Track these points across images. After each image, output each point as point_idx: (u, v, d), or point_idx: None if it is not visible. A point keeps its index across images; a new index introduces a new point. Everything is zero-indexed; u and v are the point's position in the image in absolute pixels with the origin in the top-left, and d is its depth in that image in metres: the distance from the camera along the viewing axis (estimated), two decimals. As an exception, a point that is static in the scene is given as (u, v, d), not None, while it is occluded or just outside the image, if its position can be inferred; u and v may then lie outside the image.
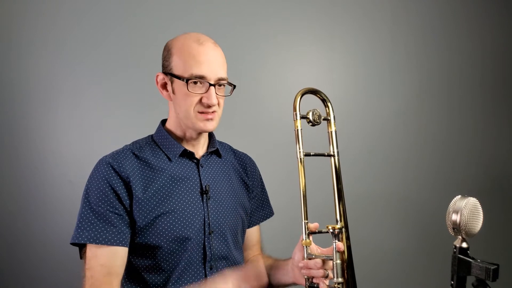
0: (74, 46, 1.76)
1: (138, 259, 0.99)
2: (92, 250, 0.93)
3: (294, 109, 0.95)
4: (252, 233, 1.23)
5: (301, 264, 0.93)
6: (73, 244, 0.96)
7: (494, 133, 2.37)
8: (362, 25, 2.18)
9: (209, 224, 1.02)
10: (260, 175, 1.25)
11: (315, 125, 0.97)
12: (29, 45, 1.71)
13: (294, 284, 1.03)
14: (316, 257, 0.90)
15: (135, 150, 1.04)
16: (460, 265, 0.73)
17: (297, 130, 0.95)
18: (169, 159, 1.04)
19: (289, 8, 2.07)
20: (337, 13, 2.14)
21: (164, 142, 1.06)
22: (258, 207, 1.23)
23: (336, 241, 0.88)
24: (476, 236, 0.73)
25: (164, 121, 1.12)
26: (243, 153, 1.25)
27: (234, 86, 1.06)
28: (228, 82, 1.03)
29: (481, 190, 2.30)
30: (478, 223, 0.73)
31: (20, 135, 1.71)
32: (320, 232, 0.93)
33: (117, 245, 0.93)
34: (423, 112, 2.27)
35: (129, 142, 1.10)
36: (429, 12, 2.27)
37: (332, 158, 0.99)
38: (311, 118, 0.97)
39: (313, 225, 0.93)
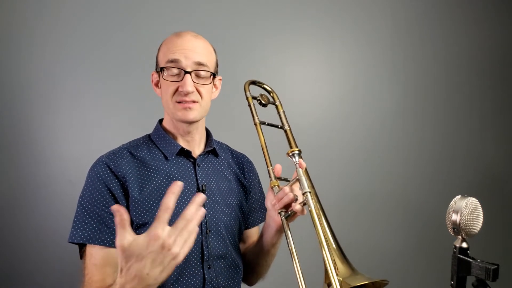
0: (75, 46, 1.76)
1: None
2: (88, 250, 0.93)
3: (245, 91, 1.15)
4: (254, 233, 1.23)
5: (274, 202, 0.96)
6: (72, 242, 0.96)
7: (493, 133, 2.37)
8: (362, 25, 2.18)
9: (206, 223, 1.01)
10: (258, 176, 1.25)
11: (265, 105, 1.16)
12: (29, 45, 1.71)
13: (278, 230, 1.02)
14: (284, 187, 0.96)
15: (132, 149, 1.04)
16: (460, 265, 0.72)
17: (250, 104, 1.13)
18: (166, 158, 1.04)
19: (289, 8, 2.07)
20: (337, 13, 2.15)
21: (161, 140, 1.06)
22: (256, 208, 1.22)
23: (296, 158, 0.94)
24: (476, 236, 0.73)
25: (161, 120, 1.12)
26: (241, 153, 1.24)
27: (213, 75, 1.04)
28: (209, 71, 1.01)
29: (481, 190, 2.30)
30: (478, 223, 0.73)
31: (20, 135, 1.71)
32: (286, 179, 1.02)
33: (110, 246, 0.92)
34: (422, 112, 2.27)
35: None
36: (429, 12, 2.27)
37: (284, 131, 1.13)
38: (261, 99, 1.15)
39: (276, 167, 1.00)
